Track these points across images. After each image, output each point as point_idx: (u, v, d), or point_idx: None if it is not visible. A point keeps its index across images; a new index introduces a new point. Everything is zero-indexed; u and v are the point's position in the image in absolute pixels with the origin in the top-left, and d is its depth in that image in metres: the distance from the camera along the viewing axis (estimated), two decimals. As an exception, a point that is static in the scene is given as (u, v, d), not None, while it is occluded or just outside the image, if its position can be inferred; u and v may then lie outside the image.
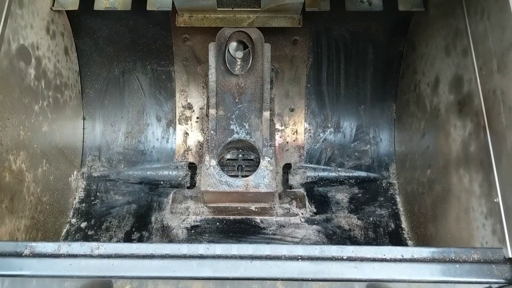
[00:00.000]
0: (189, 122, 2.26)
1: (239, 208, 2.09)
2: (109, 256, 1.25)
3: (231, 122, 2.03)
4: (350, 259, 1.26)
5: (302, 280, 1.24)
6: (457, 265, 1.24)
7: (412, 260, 1.25)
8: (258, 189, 1.94)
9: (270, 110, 2.00)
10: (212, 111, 1.97)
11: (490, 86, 1.37)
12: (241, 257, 1.26)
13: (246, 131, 2.04)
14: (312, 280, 1.25)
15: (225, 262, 1.25)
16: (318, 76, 2.23)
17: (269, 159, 2.00)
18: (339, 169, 2.23)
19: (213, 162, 1.99)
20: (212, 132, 1.98)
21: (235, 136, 2.04)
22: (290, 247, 1.27)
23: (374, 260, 1.25)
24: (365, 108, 2.25)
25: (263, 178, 1.96)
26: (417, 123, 1.96)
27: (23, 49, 1.66)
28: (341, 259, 1.26)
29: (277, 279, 1.26)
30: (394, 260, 1.25)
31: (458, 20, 1.60)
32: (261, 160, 2.00)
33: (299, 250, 1.27)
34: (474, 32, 1.49)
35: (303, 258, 1.26)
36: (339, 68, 2.21)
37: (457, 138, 1.59)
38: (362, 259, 1.26)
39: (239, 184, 1.95)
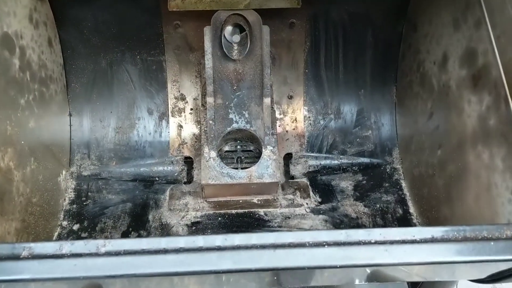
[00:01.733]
0: (182, 114, 2.15)
1: (241, 201, 1.99)
2: (117, 253, 1.12)
3: (229, 110, 1.93)
4: (378, 242, 1.17)
5: (331, 267, 1.15)
6: (492, 243, 1.17)
7: (444, 240, 1.17)
8: (262, 180, 1.85)
9: (270, 97, 1.91)
10: (210, 100, 1.86)
11: (511, 54, 1.31)
12: (263, 247, 1.16)
13: (246, 120, 1.94)
14: (342, 267, 1.16)
15: (246, 253, 1.15)
16: (316, 61, 2.15)
17: (271, 148, 1.90)
18: (341, 156, 2.15)
19: (213, 154, 1.88)
20: (210, 122, 1.87)
21: (235, 125, 1.94)
22: (313, 233, 1.17)
23: (404, 242, 1.17)
24: (365, 92, 2.18)
25: (267, 168, 1.86)
26: (423, 104, 1.89)
27: (7, 37, 1.52)
28: (369, 243, 1.17)
29: (303, 268, 1.16)
30: (425, 241, 1.17)
31: (467, -8, 1.54)
32: (263, 150, 1.91)
33: (324, 235, 1.17)
34: (489, 1, 1.43)
35: (329, 244, 1.16)
36: (337, 52, 2.13)
37: (472, 114, 1.53)
38: (391, 242, 1.17)
39: (242, 175, 1.85)
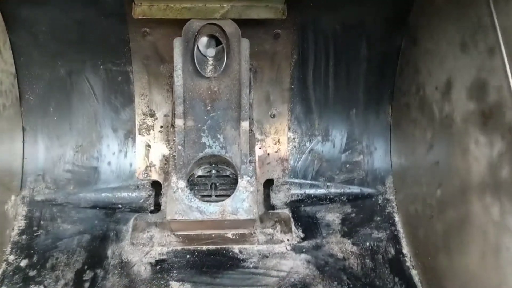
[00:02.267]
0: (151, 132, 1.90)
1: (213, 235, 1.76)
2: None
3: (202, 134, 1.69)
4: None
5: None
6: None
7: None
8: (237, 216, 1.62)
9: (249, 119, 1.66)
10: (179, 122, 1.62)
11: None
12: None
13: (220, 145, 1.70)
14: None
15: None
16: (304, 76, 1.90)
17: (248, 178, 1.67)
18: (328, 184, 1.92)
19: (182, 184, 1.65)
20: (179, 147, 1.63)
21: (208, 150, 1.70)
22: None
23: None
24: (357, 112, 1.94)
25: (242, 202, 1.63)
26: (422, 132, 1.66)
27: None
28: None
29: None
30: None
31: (479, 11, 1.30)
32: (239, 179, 1.68)
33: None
34: (506, 28, 1.18)
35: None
36: (328, 66, 1.89)
37: (480, 157, 1.29)
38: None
39: (213, 210, 1.62)
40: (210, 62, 1.64)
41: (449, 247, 1.47)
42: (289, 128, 1.94)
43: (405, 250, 1.78)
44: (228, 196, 1.75)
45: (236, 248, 1.75)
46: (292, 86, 1.91)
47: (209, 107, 1.67)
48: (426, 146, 1.62)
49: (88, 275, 1.66)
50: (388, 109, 1.94)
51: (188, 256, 1.73)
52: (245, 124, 1.64)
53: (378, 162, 1.94)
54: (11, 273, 1.64)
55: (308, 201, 1.91)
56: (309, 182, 1.92)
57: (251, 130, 1.72)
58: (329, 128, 1.94)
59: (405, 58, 1.82)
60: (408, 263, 1.74)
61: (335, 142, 1.95)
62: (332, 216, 1.87)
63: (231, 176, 1.81)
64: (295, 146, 1.94)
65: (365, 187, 1.92)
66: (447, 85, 1.48)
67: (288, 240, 1.78)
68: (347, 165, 1.94)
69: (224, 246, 1.75)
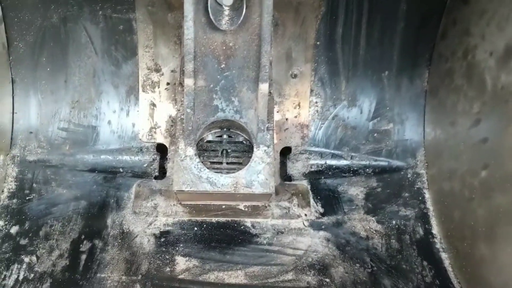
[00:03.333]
0: (156, 89, 1.69)
1: (223, 206, 1.60)
2: None
3: (214, 95, 1.48)
4: None
5: None
6: None
7: None
8: (251, 189, 1.44)
9: (269, 80, 1.45)
10: (189, 82, 1.40)
11: None
12: None
13: (235, 109, 1.50)
14: None
15: None
16: (332, 32, 1.67)
17: (265, 148, 1.48)
18: (352, 154, 1.73)
19: (190, 151, 1.46)
20: (188, 110, 1.43)
21: (220, 114, 1.50)
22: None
23: None
24: (390, 75, 1.72)
25: (258, 174, 1.45)
26: (467, 103, 1.45)
27: None
28: None
29: None
30: None
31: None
32: (254, 149, 1.48)
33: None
34: None
35: None
36: (360, 21, 1.65)
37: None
38: None
39: (225, 182, 1.44)
40: (226, 13, 1.39)
41: (493, 236, 1.30)
42: (311, 91, 1.72)
43: (435, 230, 1.61)
44: (240, 164, 1.57)
45: (248, 221, 1.59)
46: (318, 43, 1.68)
47: (223, 65, 1.45)
48: (471, 120, 1.42)
49: (85, 246, 1.50)
50: (424, 74, 1.71)
51: (195, 229, 1.57)
52: (264, 87, 1.42)
53: (409, 132, 1.74)
54: (0, 240, 1.48)
55: (329, 173, 1.72)
56: (331, 151, 1.73)
57: (270, 93, 1.51)
58: (356, 92, 1.73)
59: (451, 18, 1.57)
60: (438, 245, 1.57)
61: (362, 108, 1.74)
62: (355, 190, 1.69)
63: (244, 142, 1.62)
64: (317, 111, 1.73)
65: (393, 159, 1.73)
66: (506, 52, 1.25)
67: (305, 215, 1.61)
68: (375, 134, 1.74)
69: (235, 219, 1.59)
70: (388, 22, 1.65)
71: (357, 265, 1.51)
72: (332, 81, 1.72)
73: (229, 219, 1.59)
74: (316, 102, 1.73)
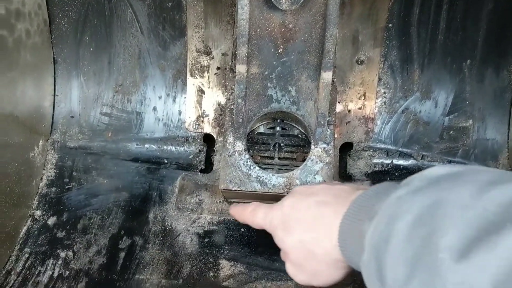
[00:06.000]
0: (205, 74, 1.54)
1: (274, 207, 1.44)
2: None
3: (269, 84, 1.31)
4: None
5: None
6: None
7: None
8: (307, 192, 1.26)
9: (333, 68, 1.25)
10: (241, 68, 1.23)
11: None
12: None
13: (291, 99, 1.32)
14: None
15: None
16: (407, 13, 1.44)
17: (325, 145, 1.30)
18: (424, 153, 1.51)
19: (240, 146, 1.30)
20: (239, 100, 1.26)
21: (274, 105, 1.33)
22: None
23: None
24: (472, 64, 1.48)
25: (314, 175, 1.28)
26: None
27: None
28: None
29: None
30: None
31: None
32: (312, 146, 1.31)
33: None
34: None
35: None
36: (441, 0, 1.42)
37: None
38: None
39: (277, 182, 1.28)
40: (287, -11, 1.22)
41: None
42: (379, 80, 1.51)
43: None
44: (294, 160, 1.40)
45: (301, 225, 1.42)
46: (390, 25, 1.47)
47: (281, 50, 1.27)
48: None
49: (124, 243, 1.40)
50: (513, 63, 1.47)
51: (242, 230, 1.43)
52: (327, 75, 1.23)
53: (491, 131, 1.50)
54: (36, 232, 1.40)
55: (396, 174, 1.52)
56: (399, 149, 1.52)
57: (333, 82, 1.32)
58: (432, 82, 1.50)
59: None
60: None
61: (438, 101, 1.51)
62: (424, 196, 1.48)
63: (300, 136, 1.44)
64: (385, 103, 1.52)
65: (470, 161, 1.50)
66: None
67: (366, 221, 1.43)
68: (451, 132, 1.51)
69: (287, 222, 1.43)
70: (474, 2, 1.41)
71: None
72: (404, 69, 1.50)
73: (280, 221, 1.43)
74: (384, 93, 1.52)
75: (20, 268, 1.31)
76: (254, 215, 1.03)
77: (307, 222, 0.79)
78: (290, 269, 0.89)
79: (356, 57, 1.51)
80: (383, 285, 0.55)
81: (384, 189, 0.68)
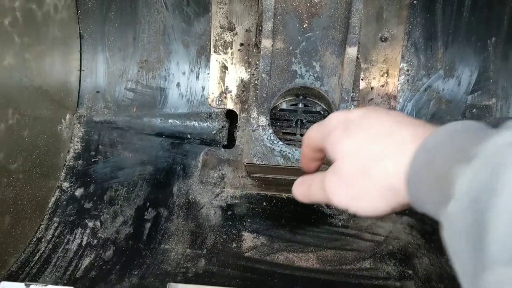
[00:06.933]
0: (229, 50, 1.56)
1: (296, 182, 1.46)
2: None
3: (293, 59, 1.32)
4: None
5: None
6: None
7: None
8: (329, 167, 1.28)
9: (358, 44, 1.26)
10: (267, 43, 1.25)
11: None
12: None
13: (315, 75, 1.33)
14: None
15: None
16: (432, -11, 1.44)
17: (349, 120, 1.31)
18: (445, 132, 1.52)
19: (263, 121, 1.32)
20: (263, 75, 1.28)
21: (298, 81, 1.34)
22: None
23: None
24: (497, 42, 1.47)
25: (338, 150, 1.29)
26: None
27: None
28: None
29: None
30: None
31: None
32: (336, 121, 1.32)
33: None
34: None
35: None
36: (467, -23, 1.41)
37: None
38: None
39: (300, 157, 1.29)
40: (313, -37, 1.22)
41: None
42: (403, 57, 1.51)
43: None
44: (317, 136, 1.42)
45: (322, 201, 1.45)
46: (414, 2, 1.46)
47: (306, 25, 1.28)
48: None
49: (150, 214, 1.44)
50: (539, 41, 1.46)
51: (264, 204, 1.46)
52: (352, 51, 1.24)
53: (515, 109, 1.50)
54: (64, 202, 1.44)
55: (417, 152, 1.53)
56: (421, 127, 1.53)
57: (358, 58, 1.33)
58: (455, 60, 1.50)
59: None
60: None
61: (461, 79, 1.51)
62: (445, 173, 1.49)
63: (322, 112, 1.46)
64: (408, 80, 1.53)
65: (493, 140, 1.51)
66: None
67: (387, 197, 1.45)
68: (473, 110, 1.51)
69: (308, 196, 1.45)
70: (501, -22, 1.40)
71: (445, 257, 1.33)
72: (428, 47, 1.50)
73: (301, 196, 1.45)
74: (407, 70, 1.52)
75: (50, 236, 1.36)
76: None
77: (377, 132, 0.61)
78: (331, 181, 0.68)
79: (379, 34, 1.51)
80: (480, 249, 0.42)
81: (478, 129, 0.52)
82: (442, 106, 1.52)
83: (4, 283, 0.92)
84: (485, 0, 1.44)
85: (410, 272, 1.30)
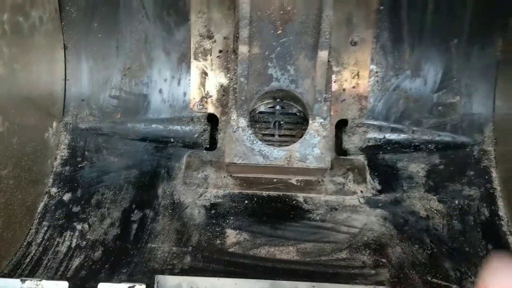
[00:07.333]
0: (208, 57, 1.63)
1: (275, 180, 1.54)
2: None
3: (269, 64, 1.41)
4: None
5: None
6: None
7: None
8: (306, 164, 1.37)
9: (329, 47, 1.35)
10: (243, 49, 1.33)
11: None
12: None
13: (290, 78, 1.42)
14: None
15: None
16: (397, -5, 1.54)
17: (321, 120, 1.40)
18: (414, 128, 1.62)
19: (243, 122, 1.40)
20: (242, 79, 1.36)
21: (274, 84, 1.43)
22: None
23: None
24: (459, 43, 1.58)
25: (313, 148, 1.38)
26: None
27: None
28: None
29: None
30: None
31: None
32: (310, 121, 1.41)
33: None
34: None
35: None
36: (430, -17, 1.52)
37: None
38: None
39: (278, 155, 1.38)
40: (285, -27, 1.31)
41: None
42: (372, 59, 1.61)
43: (502, 212, 1.49)
44: (293, 136, 1.51)
45: (300, 196, 1.53)
46: (381, 7, 1.56)
47: (280, 31, 1.37)
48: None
49: (136, 215, 1.50)
50: (497, 42, 1.56)
51: (246, 202, 1.53)
52: (323, 54, 1.33)
53: (477, 105, 1.60)
54: (53, 207, 1.49)
55: (388, 148, 1.62)
56: (391, 125, 1.62)
57: (329, 61, 1.42)
58: (421, 61, 1.60)
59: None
60: (504, 228, 1.46)
61: (427, 78, 1.61)
62: (415, 167, 1.58)
63: (298, 114, 1.54)
64: (377, 81, 1.62)
65: (458, 135, 1.61)
66: None
67: (361, 191, 1.54)
68: (439, 107, 1.61)
69: (287, 193, 1.53)
70: (461, -16, 1.51)
71: (416, 246, 1.42)
72: (395, 49, 1.60)
73: (281, 193, 1.53)
74: (377, 72, 1.62)
75: (40, 239, 1.41)
76: None
77: None
78: None
79: (350, 39, 1.60)
80: None
81: None
82: (410, 105, 1.62)
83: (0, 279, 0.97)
84: (447, 4, 1.54)
85: (384, 260, 1.39)
